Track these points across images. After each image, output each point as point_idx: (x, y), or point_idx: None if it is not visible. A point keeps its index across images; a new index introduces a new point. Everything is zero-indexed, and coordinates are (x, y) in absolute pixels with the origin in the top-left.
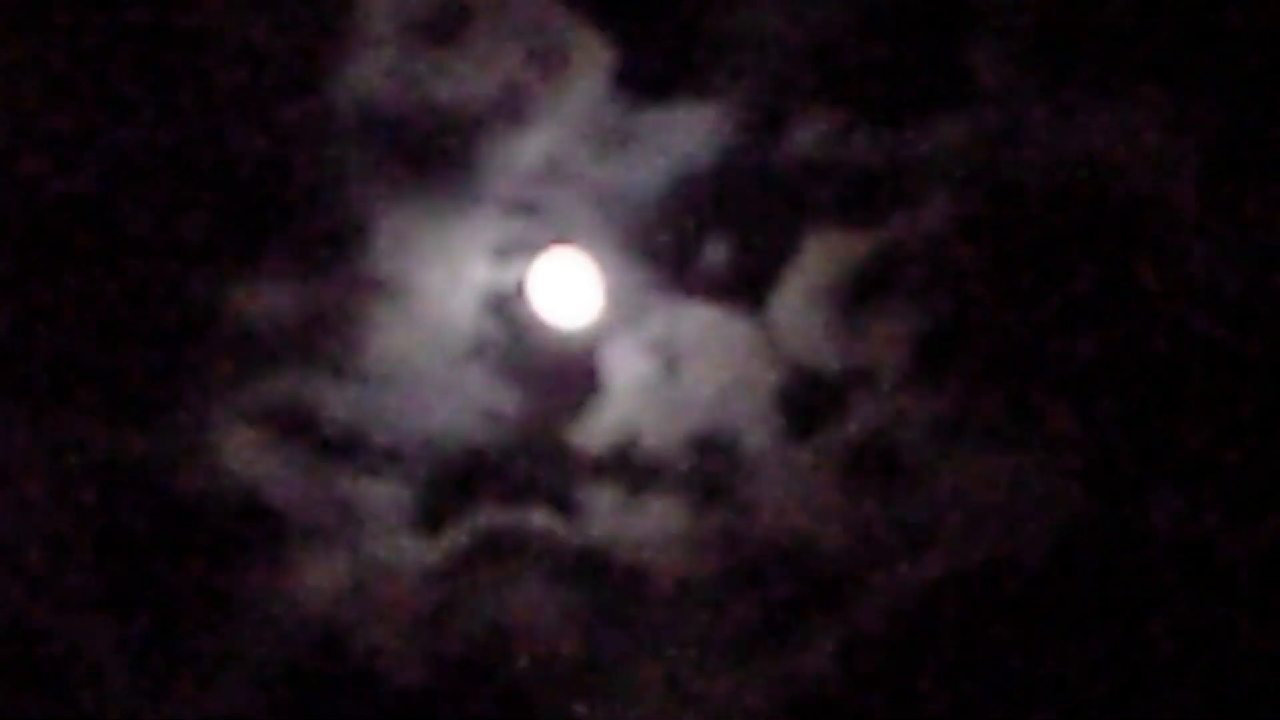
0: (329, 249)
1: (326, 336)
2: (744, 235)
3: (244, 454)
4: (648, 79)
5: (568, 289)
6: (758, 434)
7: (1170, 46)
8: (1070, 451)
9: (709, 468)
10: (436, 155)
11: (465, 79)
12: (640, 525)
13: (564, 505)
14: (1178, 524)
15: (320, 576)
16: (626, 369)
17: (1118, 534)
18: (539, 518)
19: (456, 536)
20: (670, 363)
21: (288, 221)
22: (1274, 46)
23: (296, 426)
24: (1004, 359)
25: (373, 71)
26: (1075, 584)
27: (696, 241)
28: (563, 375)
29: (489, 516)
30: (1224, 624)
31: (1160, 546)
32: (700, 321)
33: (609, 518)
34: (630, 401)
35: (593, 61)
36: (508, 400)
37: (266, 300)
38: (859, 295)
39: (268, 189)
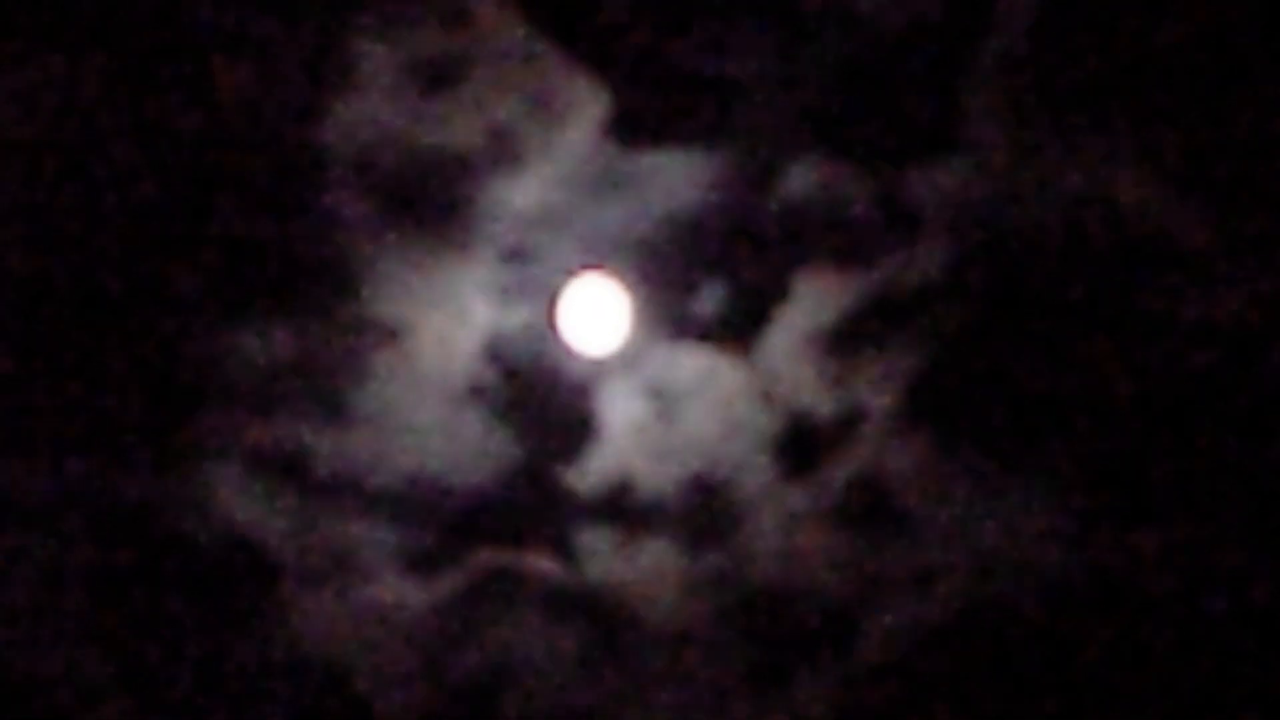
0: (323, 293)
1: (320, 380)
2: (737, 279)
3: (239, 497)
4: (642, 124)
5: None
6: (752, 476)
7: (1165, 90)
8: (1065, 493)
9: (704, 510)
10: (431, 199)
11: (460, 123)
12: (635, 567)
13: (559, 547)
14: (1173, 564)
15: (316, 619)
16: (621, 412)
17: (1113, 575)
18: (534, 560)
19: (452, 578)
20: (665, 406)
21: (282, 265)
22: (1270, 90)
23: (292, 470)
24: (997, 402)
25: (367, 115)
26: (1070, 626)
27: (690, 286)
28: (558, 418)
29: (485, 558)
30: (1219, 663)
31: (1156, 587)
32: (694, 365)
33: (604, 560)
34: (625, 444)
35: (587, 107)
36: (502, 443)
37: (261, 344)
38: (852, 339)
39: (262, 233)
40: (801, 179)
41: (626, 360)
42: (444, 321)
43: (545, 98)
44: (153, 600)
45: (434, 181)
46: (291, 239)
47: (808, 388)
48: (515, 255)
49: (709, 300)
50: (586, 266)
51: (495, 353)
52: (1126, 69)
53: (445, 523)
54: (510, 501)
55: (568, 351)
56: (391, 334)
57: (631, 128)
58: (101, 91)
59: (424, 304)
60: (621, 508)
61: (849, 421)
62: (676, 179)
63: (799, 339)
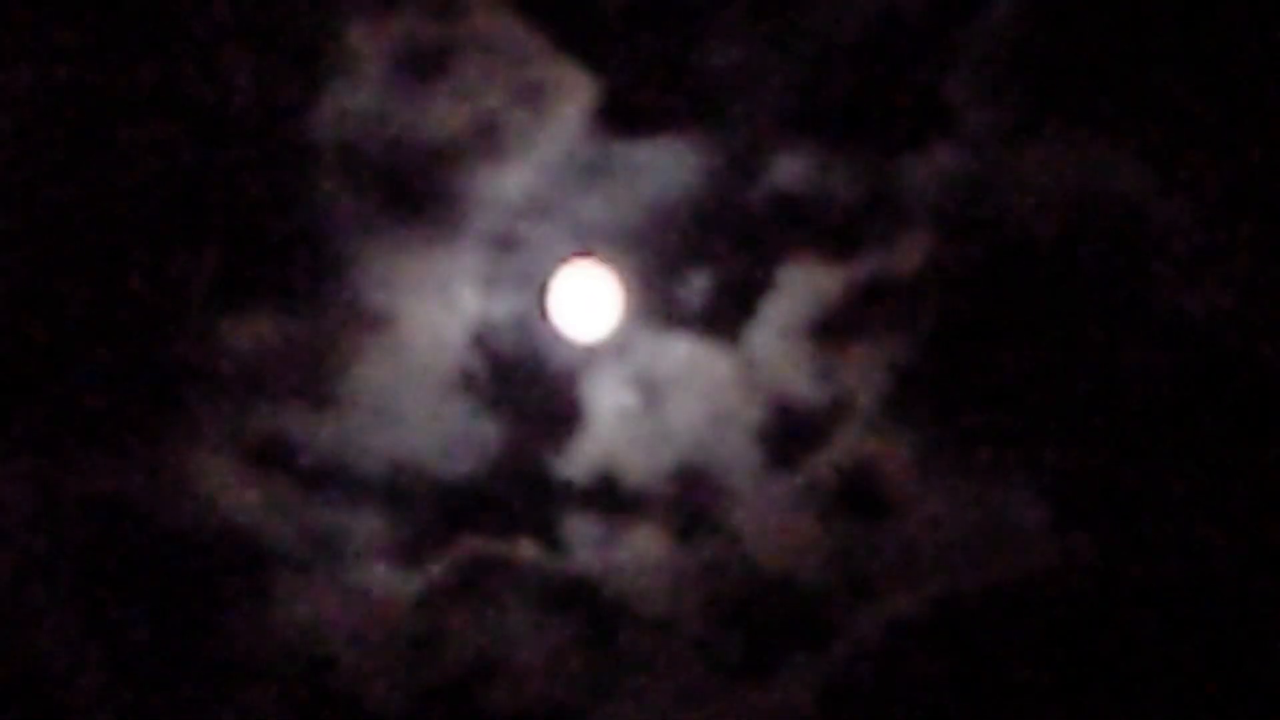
0: (313, 282)
1: (310, 368)
2: (724, 268)
3: (229, 486)
4: (629, 113)
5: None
6: (739, 466)
7: (1150, 80)
8: (1050, 482)
9: (691, 499)
10: (419, 188)
11: (448, 113)
12: (623, 556)
13: (547, 536)
14: (1159, 557)
15: (304, 607)
16: (609, 401)
17: (1098, 565)
18: (522, 548)
19: (440, 567)
20: (652, 395)
21: (272, 255)
22: (1256, 79)
23: (280, 458)
24: (982, 391)
25: (357, 105)
26: (1056, 615)
27: (679, 274)
28: (546, 406)
29: (472, 547)
30: (1207, 658)
31: (1141, 577)
32: (681, 354)
33: (592, 548)
34: (612, 433)
35: (575, 96)
36: (491, 431)
37: (250, 333)
38: (838, 328)
39: (252, 223)
40: (788, 168)
41: (615, 348)
42: (432, 309)
43: (534, 87)
44: (140, 586)
45: (423, 170)
46: (280, 227)
47: (795, 377)
48: (504, 243)
49: (697, 288)
50: (575, 255)
51: (484, 341)
52: (1114, 57)
53: (433, 510)
54: (498, 489)
55: (556, 339)
56: (380, 322)
57: (619, 117)
58: (92, 83)
59: (412, 292)
60: (609, 496)
61: (835, 411)
62: (664, 168)
63: (786, 328)
